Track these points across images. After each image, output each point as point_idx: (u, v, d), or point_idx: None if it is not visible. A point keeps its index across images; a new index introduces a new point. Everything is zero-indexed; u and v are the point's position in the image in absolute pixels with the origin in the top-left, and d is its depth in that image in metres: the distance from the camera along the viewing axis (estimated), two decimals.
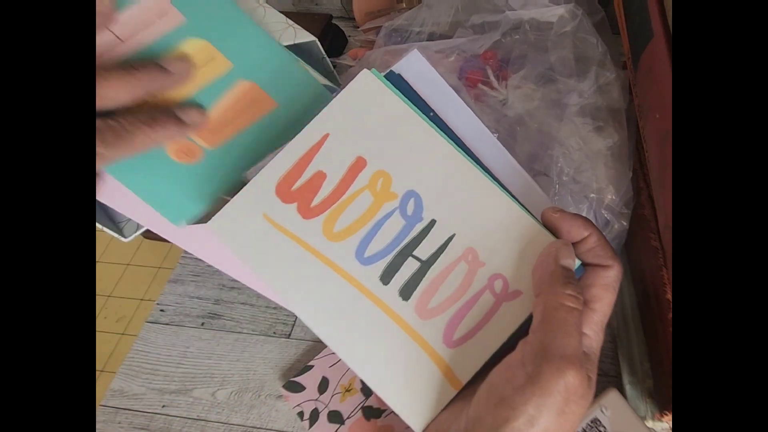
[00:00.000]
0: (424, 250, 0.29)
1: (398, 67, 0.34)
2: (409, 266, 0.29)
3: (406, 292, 0.28)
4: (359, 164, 0.30)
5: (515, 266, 0.28)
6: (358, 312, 0.28)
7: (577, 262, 0.28)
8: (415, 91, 0.33)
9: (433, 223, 0.29)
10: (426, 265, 0.29)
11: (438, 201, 0.29)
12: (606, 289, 0.26)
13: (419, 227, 0.29)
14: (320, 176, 0.30)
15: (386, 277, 0.29)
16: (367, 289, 0.29)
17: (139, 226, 0.42)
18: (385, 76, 0.32)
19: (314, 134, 0.30)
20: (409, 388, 0.28)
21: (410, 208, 0.30)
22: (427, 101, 0.33)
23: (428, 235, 0.29)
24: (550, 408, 0.22)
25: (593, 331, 0.26)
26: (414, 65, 0.34)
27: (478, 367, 0.27)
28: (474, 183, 0.30)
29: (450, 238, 0.29)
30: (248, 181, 0.30)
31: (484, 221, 0.29)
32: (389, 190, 0.30)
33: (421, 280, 0.28)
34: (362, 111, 0.31)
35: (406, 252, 0.29)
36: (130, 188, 0.31)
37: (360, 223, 0.29)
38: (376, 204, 0.30)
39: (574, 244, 0.27)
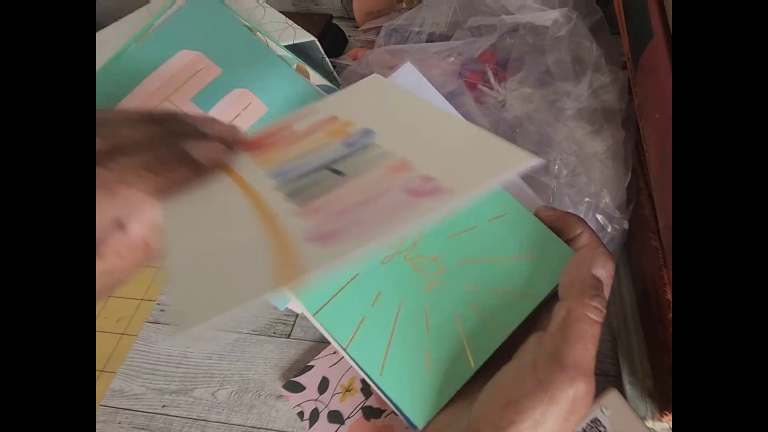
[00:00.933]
0: (347, 165, 0.26)
1: (392, 79, 0.34)
2: (323, 176, 0.26)
3: (297, 196, 0.25)
4: (330, 120, 0.29)
5: (450, 164, 0.25)
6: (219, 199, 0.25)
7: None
8: None
9: (374, 146, 0.27)
10: (343, 176, 0.25)
11: (393, 136, 0.27)
12: (593, 252, 0.27)
13: (356, 149, 0.27)
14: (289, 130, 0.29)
15: (286, 186, 0.25)
16: (252, 188, 0.25)
17: None
18: None
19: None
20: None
21: (357, 138, 0.28)
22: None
23: (361, 152, 0.27)
24: (556, 415, 0.22)
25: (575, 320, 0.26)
26: (407, 77, 0.34)
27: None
28: (443, 122, 0.28)
29: (383, 153, 0.26)
30: None
31: (433, 141, 0.27)
32: (346, 129, 0.28)
33: (330, 189, 0.25)
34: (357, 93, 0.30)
35: (324, 165, 0.26)
36: None
37: (295, 152, 0.27)
38: (324, 140, 0.28)
39: (568, 241, 0.28)
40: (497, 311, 0.28)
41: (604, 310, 0.25)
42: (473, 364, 0.27)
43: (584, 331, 0.24)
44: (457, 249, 0.30)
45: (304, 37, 0.44)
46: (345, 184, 0.25)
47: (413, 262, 0.30)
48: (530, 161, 0.23)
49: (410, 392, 0.27)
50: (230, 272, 0.21)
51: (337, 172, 0.25)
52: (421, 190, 0.23)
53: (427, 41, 0.52)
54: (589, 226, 0.28)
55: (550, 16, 0.46)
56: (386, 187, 0.24)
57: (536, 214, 0.29)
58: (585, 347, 0.23)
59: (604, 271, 0.26)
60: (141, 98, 0.38)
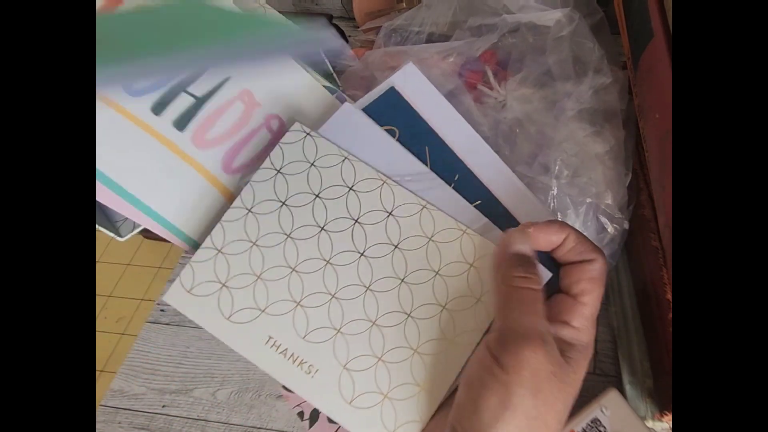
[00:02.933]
0: (199, 88, 0.32)
1: (393, 80, 0.34)
2: (184, 101, 0.32)
3: (180, 123, 0.31)
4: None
5: (292, 110, 0.32)
6: (128, 138, 0.30)
7: (548, 275, 0.29)
8: (409, 105, 0.34)
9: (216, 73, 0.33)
10: (200, 101, 0.32)
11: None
12: (593, 281, 0.27)
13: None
14: None
15: (158, 108, 0.31)
16: (138, 118, 0.31)
17: (135, 226, 0.42)
18: (382, 94, 0.34)
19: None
20: (186, 205, 0.31)
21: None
22: (421, 113, 0.34)
23: (204, 74, 0.32)
24: (519, 386, 0.22)
25: (582, 324, 0.26)
26: (409, 77, 0.34)
27: None
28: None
29: (225, 80, 0.32)
30: None
31: (270, 79, 0.34)
32: None
33: (196, 114, 0.32)
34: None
35: (179, 87, 0.32)
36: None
37: None
38: None
39: (557, 248, 0.28)
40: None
41: (534, 276, 0.26)
42: None
43: (518, 299, 0.25)
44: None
45: None
46: (206, 110, 0.32)
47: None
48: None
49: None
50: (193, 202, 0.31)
51: (194, 96, 0.32)
52: (280, 134, 0.32)
53: (427, 41, 0.52)
54: (572, 228, 0.28)
55: (552, 16, 0.46)
56: (252, 126, 0.33)
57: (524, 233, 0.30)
58: (524, 312, 0.24)
59: (525, 245, 0.27)
60: None
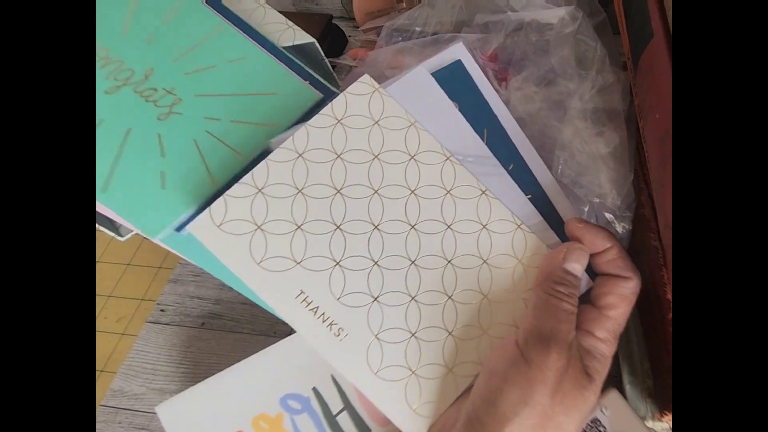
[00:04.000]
0: None
1: (457, 52, 0.33)
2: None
3: None
4: None
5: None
6: None
7: (590, 283, 0.29)
8: (473, 82, 0.33)
9: None
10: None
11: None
12: (622, 299, 0.27)
13: None
14: None
15: None
16: None
17: None
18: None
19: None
20: None
21: None
22: (484, 93, 0.33)
23: None
24: (540, 384, 0.23)
25: (604, 336, 0.27)
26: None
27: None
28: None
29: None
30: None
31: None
32: None
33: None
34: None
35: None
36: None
37: None
38: None
39: (597, 255, 0.29)
40: (240, 140, 0.31)
41: (575, 297, 0.27)
42: (215, 184, 0.30)
43: (554, 306, 0.26)
44: (195, 84, 0.33)
45: (304, 38, 0.44)
46: None
47: (144, 93, 0.32)
48: None
49: (140, 207, 0.29)
50: None
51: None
52: None
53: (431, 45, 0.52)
54: (618, 242, 0.29)
55: (556, 14, 0.46)
56: None
57: (567, 224, 0.30)
58: (557, 321, 0.25)
59: (579, 265, 0.28)
60: None
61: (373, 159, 0.30)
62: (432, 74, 0.32)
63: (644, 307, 0.42)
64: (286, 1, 0.75)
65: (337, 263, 0.29)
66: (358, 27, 0.67)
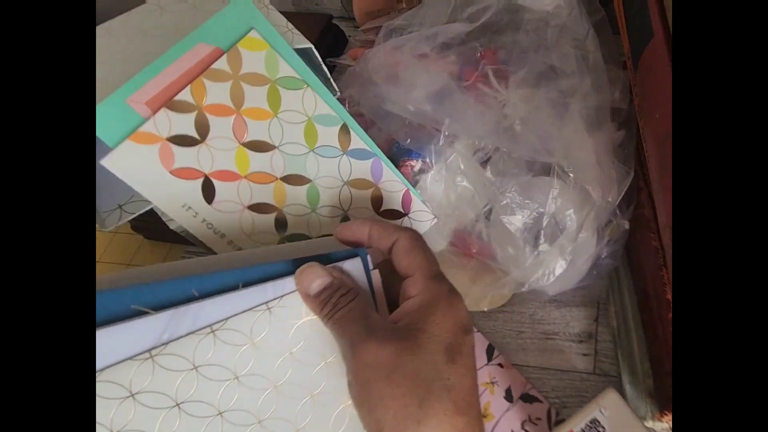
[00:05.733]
0: None
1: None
2: None
3: None
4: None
5: None
6: None
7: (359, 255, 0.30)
8: None
9: None
10: None
11: None
12: (407, 254, 0.28)
13: None
14: None
15: None
16: None
17: (121, 217, 0.43)
18: None
19: None
20: None
21: None
22: None
23: None
24: (376, 371, 0.25)
25: (419, 288, 0.27)
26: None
27: None
28: None
29: None
30: None
31: None
32: None
33: None
34: None
35: None
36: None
37: None
38: None
39: (370, 245, 0.30)
40: None
41: (345, 294, 0.27)
42: None
43: (344, 327, 0.27)
44: None
45: (302, 42, 0.44)
46: None
47: None
48: None
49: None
50: None
51: None
52: None
53: (428, 43, 0.52)
54: (370, 221, 0.30)
55: (551, 1, 0.46)
56: None
57: (337, 237, 0.31)
58: (354, 332, 0.26)
59: (320, 279, 0.28)
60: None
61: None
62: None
63: (644, 307, 0.43)
64: (287, 1, 0.75)
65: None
66: (358, 27, 0.67)
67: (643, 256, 0.43)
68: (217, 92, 0.36)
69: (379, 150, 0.41)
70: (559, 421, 0.40)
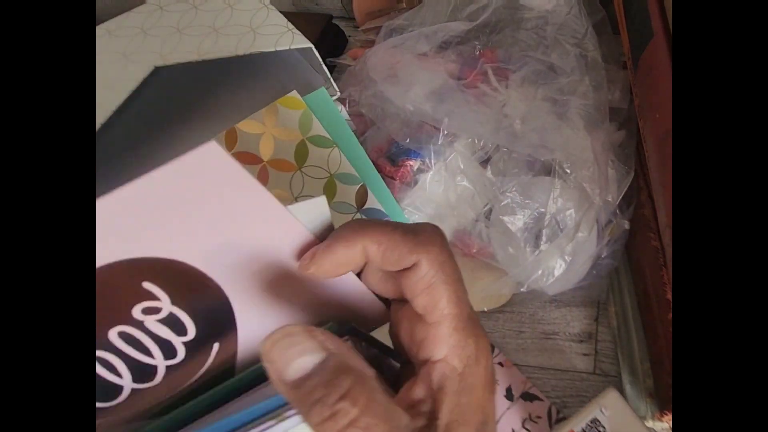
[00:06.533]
0: None
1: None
2: None
3: None
4: None
5: None
6: None
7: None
8: None
9: None
10: None
11: None
12: (430, 291, 0.19)
13: None
14: None
15: None
16: None
17: None
18: None
19: None
20: None
21: None
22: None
23: None
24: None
25: (446, 353, 0.19)
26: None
27: None
28: None
29: None
30: None
31: None
32: None
33: None
34: None
35: None
36: None
37: None
38: None
39: (404, 271, 0.19)
40: None
41: (339, 391, 0.16)
42: None
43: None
44: None
45: (302, 42, 0.44)
46: None
47: None
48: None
49: None
50: None
51: None
52: None
53: (428, 42, 0.52)
54: (376, 231, 0.19)
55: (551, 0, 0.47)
56: None
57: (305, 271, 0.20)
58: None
59: (306, 357, 0.17)
60: None
61: None
62: None
63: (644, 307, 0.43)
64: (287, 1, 0.75)
65: None
66: (358, 27, 0.67)
67: (643, 256, 0.43)
68: (248, 141, 0.37)
69: (398, 211, 0.42)
70: (560, 419, 0.40)
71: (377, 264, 0.19)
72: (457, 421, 0.18)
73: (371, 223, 0.20)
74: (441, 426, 0.17)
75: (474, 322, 0.19)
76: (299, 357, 0.16)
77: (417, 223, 0.20)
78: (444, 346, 0.18)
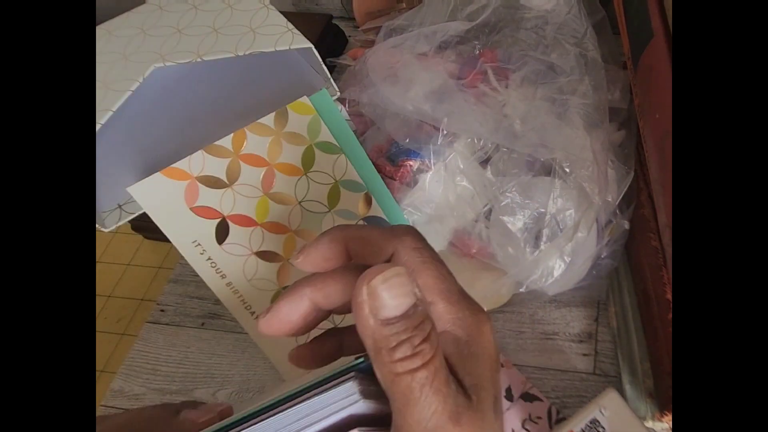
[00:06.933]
0: None
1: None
2: None
3: None
4: None
5: None
6: None
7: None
8: None
9: None
10: None
11: None
12: (416, 274, 0.20)
13: None
14: None
15: None
16: None
17: (121, 217, 0.44)
18: None
19: None
20: None
21: None
22: None
23: None
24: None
25: (450, 323, 0.20)
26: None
27: None
28: None
29: None
30: None
31: None
32: None
33: None
34: None
35: None
36: None
37: None
38: None
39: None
40: None
41: (426, 346, 0.18)
42: None
43: (405, 390, 0.17)
44: None
45: (302, 43, 0.44)
46: None
47: None
48: None
49: None
50: None
51: None
52: None
53: (428, 42, 0.52)
54: (351, 227, 0.22)
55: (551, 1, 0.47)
56: None
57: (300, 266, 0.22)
58: (419, 409, 0.17)
59: (403, 298, 0.18)
60: None
61: None
62: None
63: (644, 307, 0.43)
64: (287, 1, 0.75)
65: None
66: (358, 27, 0.67)
67: (643, 256, 0.42)
68: (256, 144, 0.38)
69: (400, 218, 0.43)
70: (560, 420, 0.40)
71: (360, 258, 0.21)
72: (476, 384, 0.18)
73: (353, 224, 0.21)
74: (469, 386, 0.18)
75: (467, 296, 0.20)
76: (400, 298, 0.17)
77: (393, 225, 0.21)
78: (443, 321, 0.19)
